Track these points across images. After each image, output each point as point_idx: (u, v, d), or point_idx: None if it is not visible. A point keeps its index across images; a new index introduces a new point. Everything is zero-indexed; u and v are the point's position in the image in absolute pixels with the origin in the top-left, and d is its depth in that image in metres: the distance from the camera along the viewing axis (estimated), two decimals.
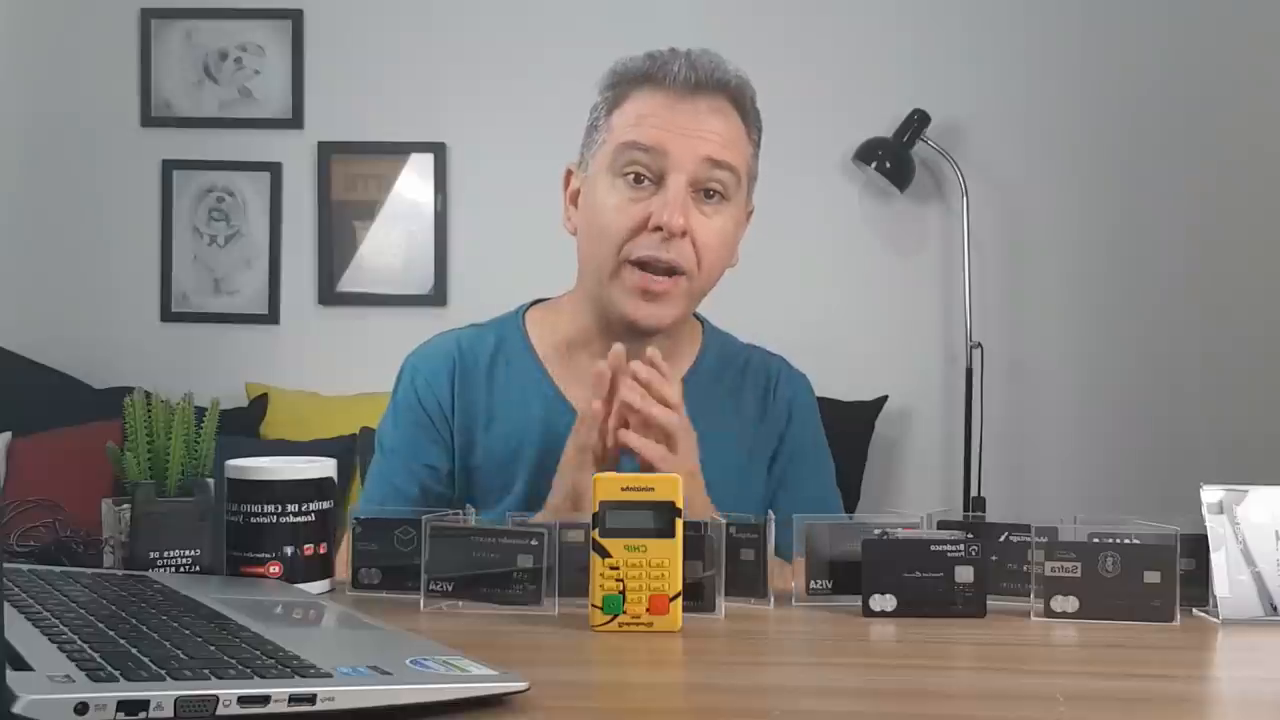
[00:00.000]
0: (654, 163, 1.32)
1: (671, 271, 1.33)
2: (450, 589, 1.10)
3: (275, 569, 1.13)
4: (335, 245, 3.58)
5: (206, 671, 0.72)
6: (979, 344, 3.25)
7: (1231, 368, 3.38)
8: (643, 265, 1.33)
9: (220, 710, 0.69)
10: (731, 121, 1.36)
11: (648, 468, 1.23)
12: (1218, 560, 1.10)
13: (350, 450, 2.86)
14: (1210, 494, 1.12)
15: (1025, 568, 1.12)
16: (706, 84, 1.35)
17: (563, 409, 1.40)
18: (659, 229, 1.31)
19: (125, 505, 1.15)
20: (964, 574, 1.10)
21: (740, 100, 1.38)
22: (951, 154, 3.31)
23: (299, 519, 1.14)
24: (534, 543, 1.10)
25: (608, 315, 1.38)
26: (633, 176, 1.33)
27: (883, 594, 1.10)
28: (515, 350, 1.45)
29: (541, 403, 1.42)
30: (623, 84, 1.37)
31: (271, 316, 3.59)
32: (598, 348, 1.39)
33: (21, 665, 0.71)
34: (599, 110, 1.39)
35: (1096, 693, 0.90)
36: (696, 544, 1.08)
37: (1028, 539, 1.11)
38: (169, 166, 3.58)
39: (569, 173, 1.43)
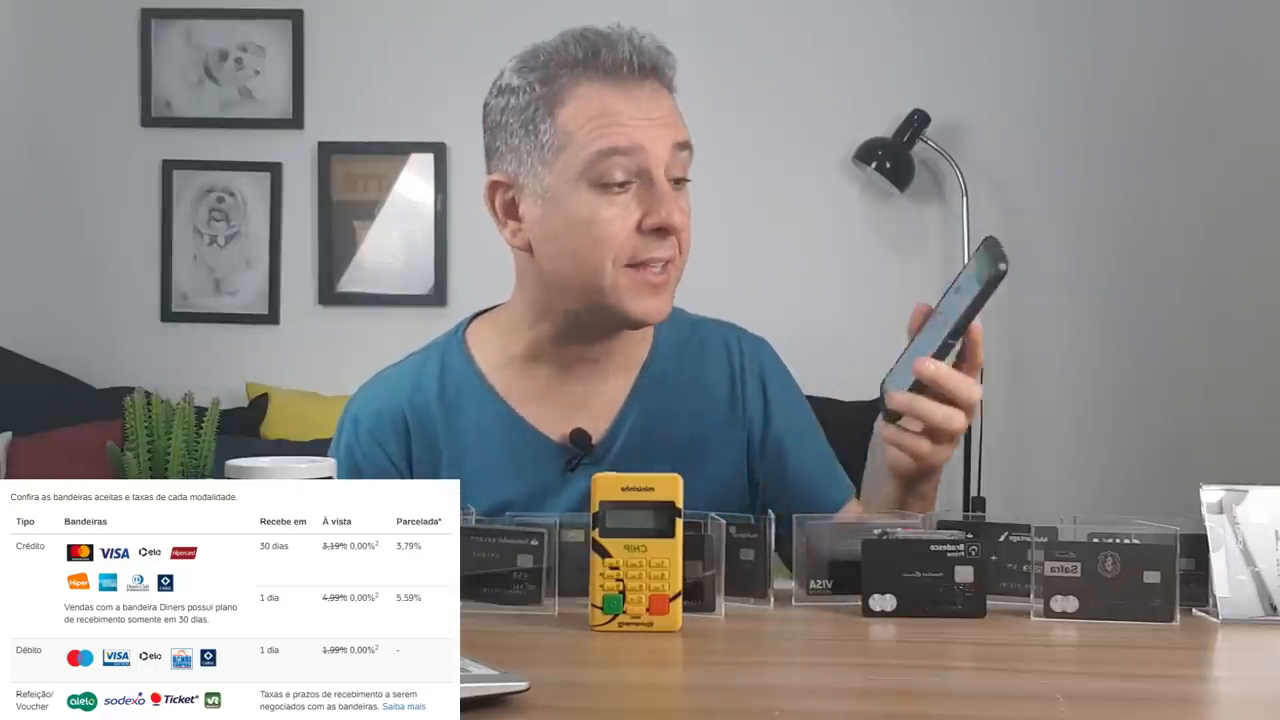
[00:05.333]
0: (633, 163, 1.24)
1: (667, 262, 1.28)
2: None
3: None
4: (335, 245, 3.58)
5: None
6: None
7: (1232, 368, 3.38)
8: (642, 264, 1.26)
9: None
10: (669, 97, 1.29)
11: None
12: (1217, 560, 1.10)
13: None
14: (1210, 494, 1.12)
15: (1025, 568, 1.12)
16: (648, 65, 1.27)
17: (521, 428, 1.35)
18: (658, 229, 1.24)
19: None
20: (964, 574, 1.10)
21: (669, 75, 1.30)
22: (951, 154, 3.30)
23: None
24: (534, 543, 1.10)
25: (597, 322, 1.30)
26: (614, 182, 1.24)
27: (883, 594, 1.10)
28: (463, 378, 1.37)
29: (499, 426, 1.35)
30: (558, 76, 1.26)
31: (271, 316, 3.58)
32: (557, 358, 1.35)
33: None
34: (532, 110, 1.26)
35: (1096, 693, 0.90)
36: (696, 544, 1.08)
37: (1028, 539, 1.11)
38: (169, 166, 3.58)
39: (494, 184, 1.32)
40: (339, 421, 1.40)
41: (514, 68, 1.29)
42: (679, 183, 1.28)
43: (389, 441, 1.36)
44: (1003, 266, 1.06)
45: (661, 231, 1.25)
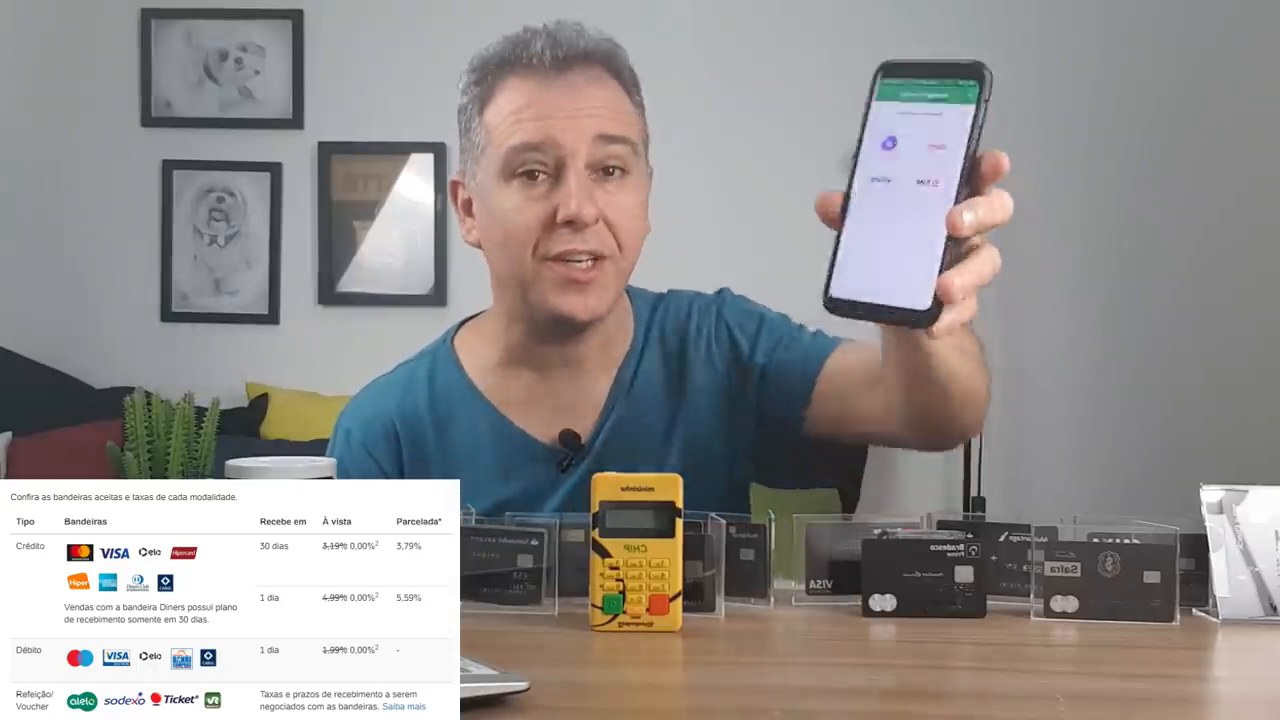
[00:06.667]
0: (547, 156, 1.24)
1: (595, 258, 1.25)
2: None
3: None
4: (335, 245, 3.58)
5: None
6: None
7: (1232, 368, 3.38)
8: (563, 259, 1.25)
9: None
10: (611, 90, 1.28)
11: None
12: (1217, 560, 1.10)
13: None
14: (1210, 494, 1.12)
15: (1025, 568, 1.12)
16: (574, 57, 1.26)
17: (511, 432, 1.34)
18: (569, 222, 1.23)
19: None
20: (964, 574, 1.10)
21: (614, 65, 1.29)
22: None
23: None
24: (534, 543, 1.10)
25: (536, 320, 1.30)
26: (528, 175, 1.25)
27: (883, 594, 1.10)
28: (453, 385, 1.37)
29: (489, 431, 1.35)
30: (486, 77, 1.29)
31: (271, 316, 3.59)
32: (535, 361, 1.34)
33: None
34: (469, 110, 1.30)
35: (1096, 693, 0.90)
36: (696, 544, 1.08)
37: (1028, 539, 1.11)
38: (169, 166, 3.58)
39: (454, 184, 1.35)
40: (332, 432, 1.41)
41: (460, 80, 1.32)
42: (609, 173, 1.26)
43: (380, 451, 1.36)
44: (987, 74, 0.82)
45: (572, 224, 1.23)
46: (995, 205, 0.82)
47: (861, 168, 0.84)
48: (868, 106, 0.86)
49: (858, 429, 1.31)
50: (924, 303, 0.80)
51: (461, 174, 1.33)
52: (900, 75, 0.86)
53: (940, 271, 0.79)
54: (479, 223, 1.32)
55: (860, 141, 0.84)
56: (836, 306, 0.81)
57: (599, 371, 1.36)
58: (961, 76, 0.83)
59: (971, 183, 0.81)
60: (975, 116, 0.81)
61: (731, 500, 1.36)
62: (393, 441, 1.36)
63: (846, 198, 0.83)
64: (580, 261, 1.25)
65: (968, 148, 0.81)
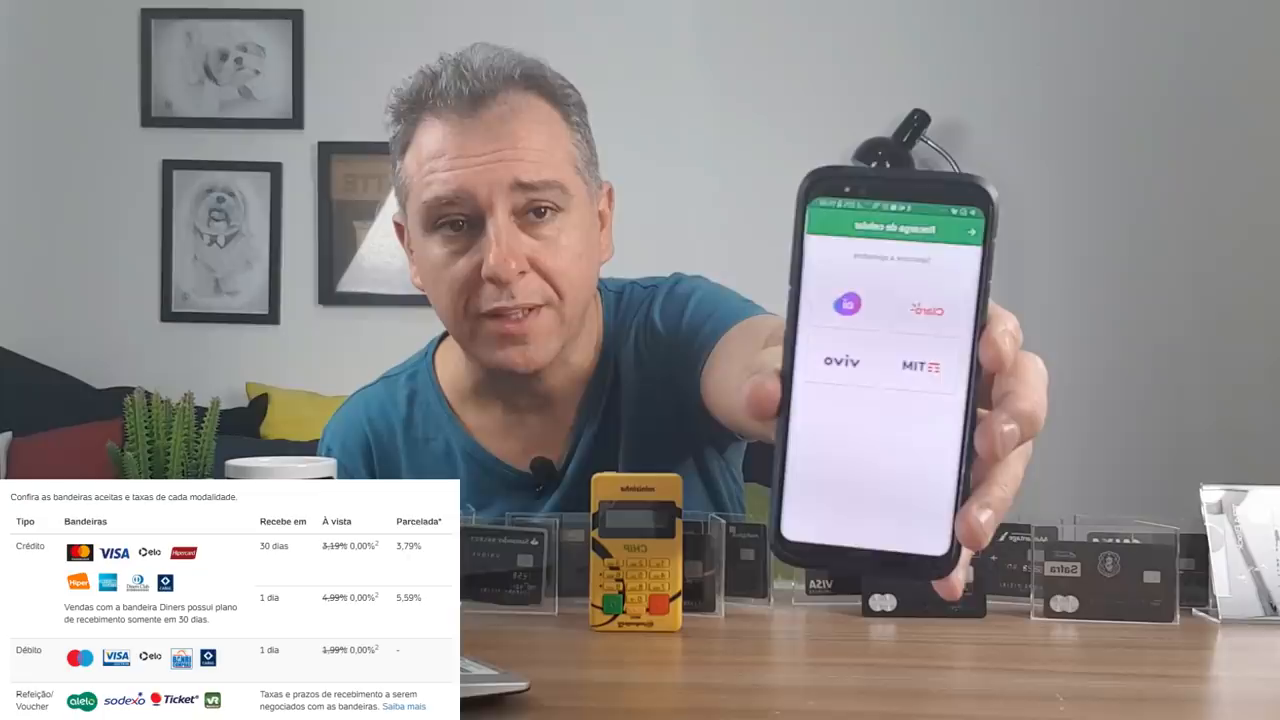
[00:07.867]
0: (465, 208, 1.17)
1: (530, 309, 1.19)
2: None
3: None
4: (335, 245, 3.58)
5: None
6: None
7: (1232, 367, 3.38)
8: (494, 315, 1.19)
9: None
10: (536, 114, 1.19)
11: None
12: (1217, 560, 1.10)
13: None
14: (1210, 494, 1.12)
15: (1025, 568, 1.12)
16: (487, 89, 1.17)
17: (487, 460, 1.32)
18: (494, 279, 1.16)
19: None
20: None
21: (538, 85, 1.21)
22: (951, 154, 3.31)
23: None
24: (534, 543, 1.10)
25: (487, 369, 1.27)
26: (449, 226, 1.19)
27: (883, 594, 1.10)
28: (431, 406, 1.35)
29: (465, 459, 1.33)
30: (401, 118, 1.22)
31: (271, 316, 3.59)
32: (501, 396, 1.31)
33: None
34: (393, 151, 1.23)
35: (1096, 693, 0.90)
36: (696, 544, 1.08)
37: (1028, 539, 1.11)
38: (169, 166, 3.58)
39: (398, 225, 1.30)
40: (317, 449, 1.41)
41: (385, 106, 1.24)
42: (540, 214, 1.18)
43: (356, 466, 1.36)
44: (993, 198, 0.55)
45: (496, 281, 1.17)
46: (1037, 393, 0.57)
47: (805, 341, 0.55)
48: (798, 241, 0.56)
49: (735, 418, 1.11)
50: (938, 547, 0.54)
51: (401, 215, 1.28)
52: (850, 194, 0.56)
53: (958, 500, 0.54)
54: (418, 269, 1.27)
55: (796, 297, 0.55)
56: (798, 554, 0.55)
57: (568, 400, 1.32)
58: (956, 201, 0.55)
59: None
60: (983, 267, 0.55)
61: (710, 494, 1.33)
62: (368, 458, 1.36)
63: (787, 386, 0.55)
64: (513, 315, 1.19)
65: (976, 315, 0.56)
